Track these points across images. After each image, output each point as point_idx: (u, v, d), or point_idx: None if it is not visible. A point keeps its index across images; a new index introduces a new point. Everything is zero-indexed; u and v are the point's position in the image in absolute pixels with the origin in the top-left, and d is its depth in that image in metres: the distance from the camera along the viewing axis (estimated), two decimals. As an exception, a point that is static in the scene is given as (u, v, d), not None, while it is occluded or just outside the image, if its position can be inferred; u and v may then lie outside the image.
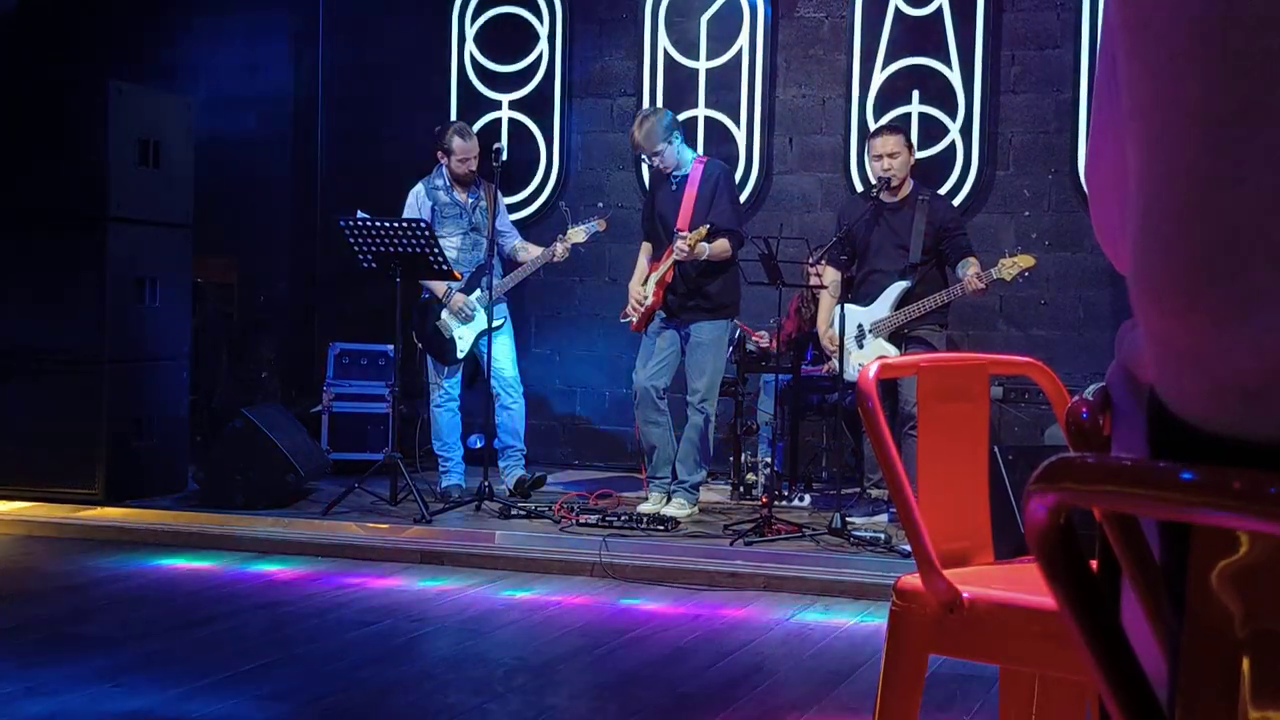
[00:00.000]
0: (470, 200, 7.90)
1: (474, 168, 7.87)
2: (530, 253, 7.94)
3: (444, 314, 7.79)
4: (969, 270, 7.01)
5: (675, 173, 7.46)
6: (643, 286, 7.47)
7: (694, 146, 9.05)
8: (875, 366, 3.06)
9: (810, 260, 7.66)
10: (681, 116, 9.12)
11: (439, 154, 7.87)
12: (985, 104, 8.71)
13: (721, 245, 7.25)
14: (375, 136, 9.88)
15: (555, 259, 7.83)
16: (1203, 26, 1.07)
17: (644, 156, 7.59)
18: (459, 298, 7.73)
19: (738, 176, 9.10)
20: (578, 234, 7.77)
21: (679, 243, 7.14)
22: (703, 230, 7.15)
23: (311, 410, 9.04)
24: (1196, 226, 1.08)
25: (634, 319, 7.53)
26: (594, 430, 9.57)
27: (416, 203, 7.85)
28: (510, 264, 7.95)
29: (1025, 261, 6.94)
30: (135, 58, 8.60)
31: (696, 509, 7.39)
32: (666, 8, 9.39)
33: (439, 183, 7.88)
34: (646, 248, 7.67)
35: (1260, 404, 1.03)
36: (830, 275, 7.36)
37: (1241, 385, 1.04)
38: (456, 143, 7.80)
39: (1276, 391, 1.02)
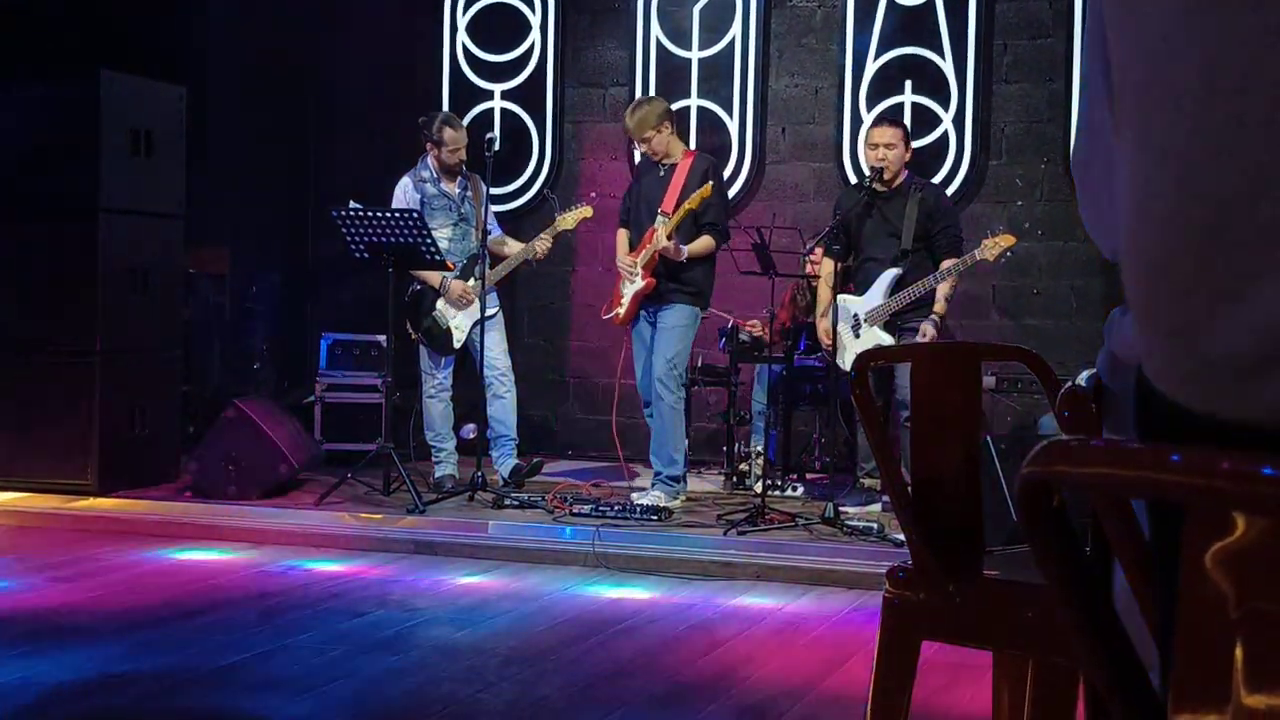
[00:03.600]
0: (458, 191, 7.88)
1: (463, 158, 7.85)
2: (511, 247, 7.92)
3: (440, 304, 7.78)
4: (940, 289, 7.08)
5: (664, 160, 7.50)
6: (632, 265, 7.46)
7: (687, 136, 9.05)
8: (868, 355, 3.07)
9: (805, 250, 7.67)
10: (674, 106, 9.11)
11: (427, 145, 7.85)
12: (978, 94, 8.71)
13: (705, 243, 7.34)
14: (368, 126, 9.86)
15: (536, 257, 7.80)
16: (1195, 6, 1.07)
17: (634, 141, 7.63)
18: (457, 284, 7.72)
19: (730, 166, 9.11)
20: (566, 221, 7.76)
21: (662, 240, 7.17)
22: (685, 209, 7.18)
23: (304, 401, 9.03)
24: (1190, 206, 1.08)
25: (619, 312, 7.53)
26: (587, 420, 9.56)
27: (405, 196, 7.82)
28: (493, 256, 7.92)
29: (1006, 240, 6.98)
30: (126, 47, 8.57)
31: (679, 500, 7.37)
32: (659, -3, 9.38)
33: (425, 174, 7.85)
34: (623, 235, 7.67)
35: (1252, 384, 1.03)
36: (828, 267, 7.39)
37: (1235, 365, 1.04)
38: (447, 133, 7.77)
39: (1269, 371, 1.02)
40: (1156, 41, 1.10)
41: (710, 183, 7.27)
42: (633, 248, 7.55)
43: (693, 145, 8.83)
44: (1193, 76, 1.07)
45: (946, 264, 7.14)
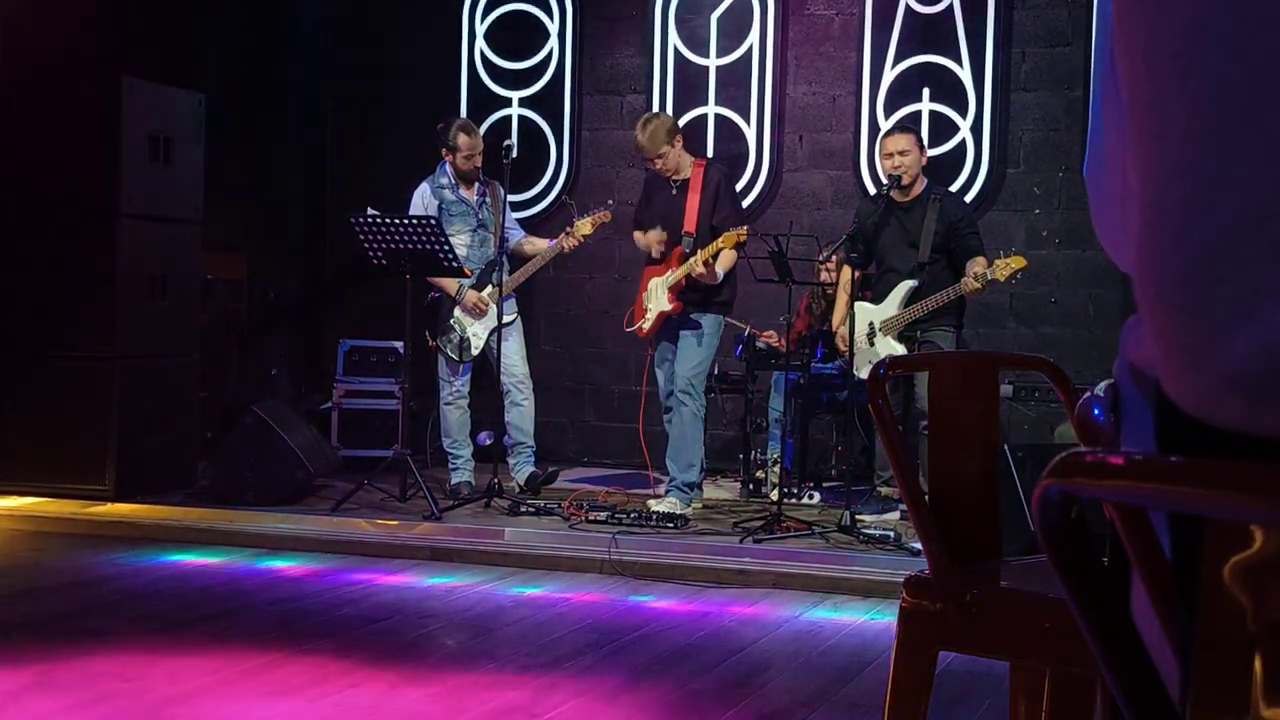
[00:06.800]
0: (476, 198, 7.89)
1: (479, 164, 7.86)
2: (536, 246, 7.94)
3: (457, 311, 7.79)
4: (973, 270, 7.04)
5: (675, 177, 7.49)
6: (658, 280, 7.46)
7: (704, 144, 9.07)
8: (885, 364, 3.07)
9: (820, 258, 7.67)
10: (691, 114, 9.15)
11: (443, 151, 7.87)
12: (996, 102, 8.70)
13: (730, 258, 7.32)
14: (386, 133, 9.88)
15: (564, 252, 7.83)
16: (1205, 25, 1.07)
17: (646, 159, 7.61)
18: (472, 294, 7.74)
19: (747, 174, 9.12)
20: (584, 226, 7.76)
21: (698, 266, 7.15)
22: (712, 248, 7.17)
23: (321, 407, 9.05)
24: (1202, 223, 1.08)
25: (644, 325, 7.53)
26: (603, 427, 9.57)
27: (422, 202, 7.84)
28: (515, 259, 7.94)
29: (1017, 263, 6.97)
30: (146, 53, 8.61)
31: (692, 508, 7.36)
32: (677, 5, 9.39)
33: (444, 181, 7.87)
34: (639, 233, 7.66)
35: (1267, 399, 1.03)
36: (847, 274, 7.40)
37: (1249, 382, 1.04)
38: (462, 139, 7.79)
39: None
40: (1167, 60, 1.10)
41: (746, 226, 7.27)
42: (653, 264, 7.54)
43: (710, 153, 8.83)
44: (1205, 95, 1.07)
45: (949, 289, 7.08)
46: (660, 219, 7.51)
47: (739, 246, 7.32)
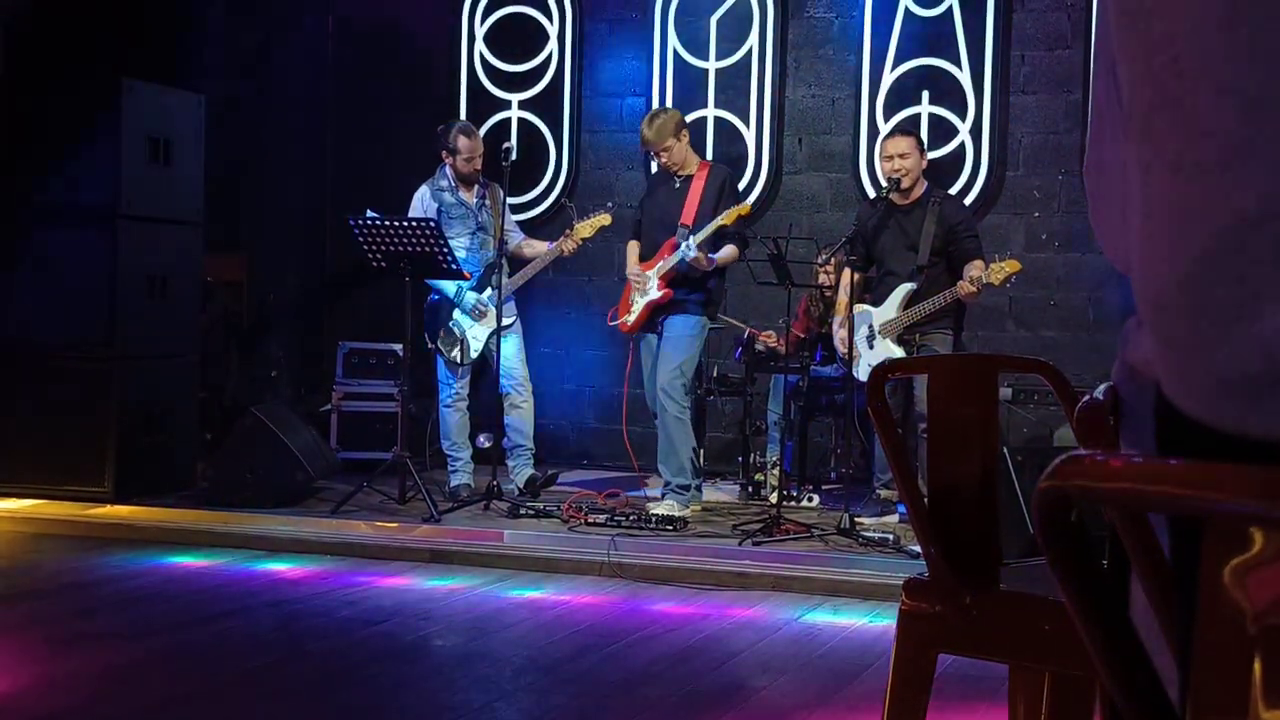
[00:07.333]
0: (476, 200, 7.89)
1: (479, 166, 7.86)
2: (536, 248, 7.94)
3: (456, 313, 7.79)
4: (969, 274, 7.05)
5: (680, 173, 7.49)
6: (642, 275, 7.45)
7: (704, 146, 9.07)
8: (884, 366, 3.07)
9: (819, 260, 7.67)
10: (691, 116, 9.14)
11: (443, 154, 7.87)
12: (995, 104, 8.70)
13: (731, 253, 7.33)
14: (386, 134, 9.88)
15: (564, 254, 7.84)
16: (1206, 26, 1.07)
17: (653, 153, 7.62)
18: (471, 296, 7.74)
19: (747, 176, 9.11)
20: (584, 229, 7.76)
21: (691, 250, 7.14)
22: (714, 224, 7.18)
23: (321, 409, 9.05)
24: (1201, 225, 1.08)
25: (628, 319, 7.52)
26: (603, 430, 9.56)
27: (422, 205, 7.84)
28: (515, 262, 7.94)
29: (1011, 267, 6.97)
30: (147, 55, 8.61)
31: (691, 510, 7.35)
32: (676, 7, 9.39)
33: (443, 183, 7.87)
34: (634, 246, 7.66)
35: (1268, 401, 1.03)
36: (848, 277, 7.40)
37: (1249, 384, 1.04)
38: (462, 142, 7.79)
39: None
40: (1166, 62, 1.11)
41: (748, 201, 7.28)
42: (644, 259, 7.54)
43: (709, 155, 8.84)
44: (1205, 97, 1.07)
45: (947, 292, 7.07)
46: (659, 212, 7.51)
47: (741, 231, 7.32)
